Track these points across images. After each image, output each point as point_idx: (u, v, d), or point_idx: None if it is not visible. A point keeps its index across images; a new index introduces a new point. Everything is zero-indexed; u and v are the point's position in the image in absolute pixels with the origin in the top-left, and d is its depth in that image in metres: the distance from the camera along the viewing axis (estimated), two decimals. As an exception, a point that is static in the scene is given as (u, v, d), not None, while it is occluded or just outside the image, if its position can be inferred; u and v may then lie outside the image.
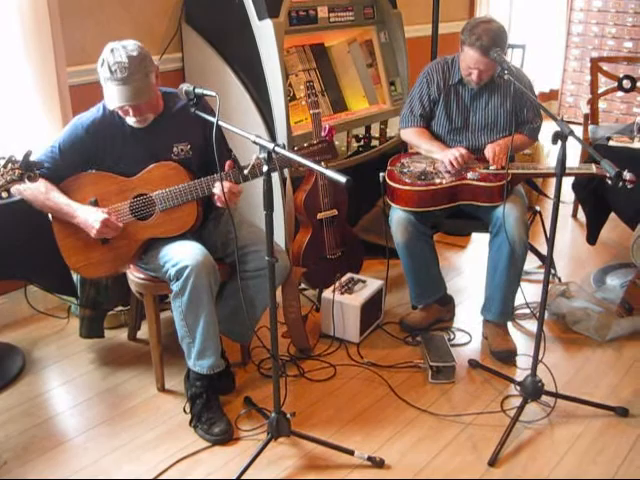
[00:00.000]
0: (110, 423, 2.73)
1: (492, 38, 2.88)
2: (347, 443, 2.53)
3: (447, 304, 3.42)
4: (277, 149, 2.03)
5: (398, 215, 3.07)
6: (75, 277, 3.08)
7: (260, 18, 3.34)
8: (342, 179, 1.87)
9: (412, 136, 3.27)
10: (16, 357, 3.14)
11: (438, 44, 3.88)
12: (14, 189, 2.04)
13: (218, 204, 2.60)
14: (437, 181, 3.00)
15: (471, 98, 3.16)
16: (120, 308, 3.30)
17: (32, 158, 2.41)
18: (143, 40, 3.38)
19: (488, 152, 3.03)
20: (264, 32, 3.34)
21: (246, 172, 2.46)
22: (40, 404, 2.88)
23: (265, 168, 2.07)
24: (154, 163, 2.63)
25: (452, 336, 3.28)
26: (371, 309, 3.24)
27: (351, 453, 2.47)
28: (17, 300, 3.43)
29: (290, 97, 3.52)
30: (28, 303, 3.43)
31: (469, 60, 2.98)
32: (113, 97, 2.49)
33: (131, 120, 2.58)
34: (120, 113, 2.56)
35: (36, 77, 3.13)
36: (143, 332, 3.27)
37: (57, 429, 2.73)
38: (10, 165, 1.99)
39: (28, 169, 2.00)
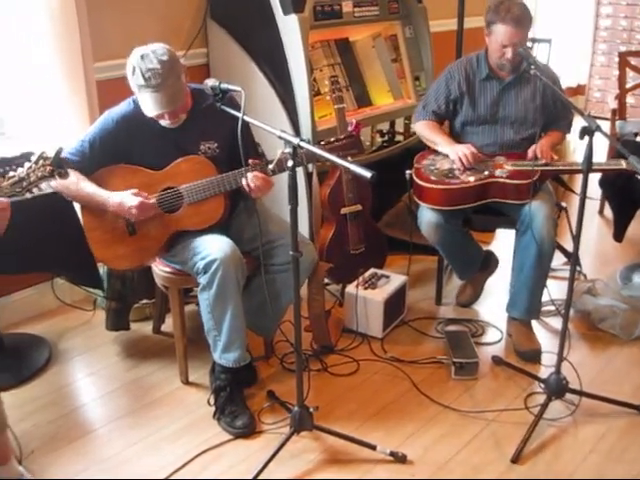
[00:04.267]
0: (134, 415, 2.76)
1: (521, 9, 2.91)
2: (369, 438, 2.53)
3: (489, 265, 3.50)
4: (302, 144, 2.04)
5: (427, 217, 3.06)
6: (102, 270, 3.12)
7: (285, 13, 3.34)
8: (367, 174, 1.87)
9: (421, 129, 3.28)
10: (43, 348, 3.19)
11: (463, 39, 3.84)
12: (46, 184, 2.06)
13: (248, 190, 2.59)
14: (465, 179, 2.98)
15: (500, 92, 3.13)
16: (145, 301, 3.33)
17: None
18: (168, 35, 3.44)
19: (532, 152, 3.01)
20: (289, 27, 3.35)
21: (271, 167, 2.47)
22: (66, 395, 2.92)
23: (290, 163, 2.07)
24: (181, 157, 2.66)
25: (476, 332, 3.26)
26: (394, 304, 3.24)
27: (373, 448, 2.47)
28: (44, 292, 3.47)
29: (314, 92, 3.52)
30: (55, 295, 3.46)
31: (502, 38, 2.95)
32: (149, 105, 2.50)
33: (165, 122, 2.60)
34: (155, 117, 2.57)
35: (64, 72, 3.16)
36: (167, 325, 3.30)
37: (83, 419, 2.77)
38: (41, 161, 2.01)
39: (59, 166, 2.01)
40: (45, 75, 3.13)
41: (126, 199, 2.57)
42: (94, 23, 3.23)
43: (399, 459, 2.46)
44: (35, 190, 2.03)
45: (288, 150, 2.08)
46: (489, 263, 3.51)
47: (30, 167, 2.01)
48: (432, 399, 2.80)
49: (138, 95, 2.55)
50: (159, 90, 2.46)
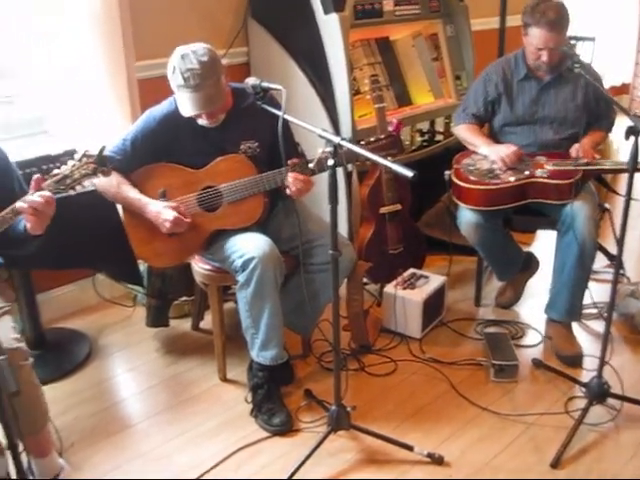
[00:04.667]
0: (173, 410, 2.79)
1: (557, 12, 2.86)
2: (406, 439, 2.51)
3: (529, 266, 3.45)
4: (343, 143, 2.03)
5: (467, 218, 3.04)
6: (142, 267, 3.16)
7: (326, 12, 3.34)
8: (408, 173, 1.86)
9: (461, 132, 3.26)
10: (84, 344, 3.24)
11: (505, 37, 3.80)
12: (88, 181, 2.09)
13: (288, 192, 2.59)
14: (505, 179, 2.95)
15: (539, 92, 3.09)
16: (184, 298, 3.36)
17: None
18: (210, 34, 3.46)
19: (575, 150, 2.97)
20: (329, 26, 3.34)
21: (312, 166, 2.47)
22: (106, 389, 2.97)
23: (331, 162, 2.07)
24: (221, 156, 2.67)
25: (515, 334, 3.22)
26: (433, 305, 3.22)
27: (410, 449, 2.46)
28: (85, 288, 3.53)
29: (354, 91, 3.51)
30: (96, 291, 3.52)
31: (537, 40, 2.92)
32: (187, 105, 2.52)
33: (203, 122, 2.61)
34: (193, 116, 2.59)
35: (106, 71, 3.19)
36: (206, 322, 3.34)
37: (122, 414, 2.81)
38: (85, 159, 2.04)
39: (102, 164, 2.04)
40: (88, 74, 3.18)
41: (163, 212, 2.59)
42: (136, 22, 3.27)
43: (436, 461, 2.44)
44: (78, 187, 2.06)
45: (329, 149, 2.08)
46: (529, 264, 3.47)
47: (74, 165, 2.04)
48: (471, 401, 2.77)
49: (177, 94, 2.57)
50: (197, 90, 2.47)
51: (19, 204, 2.02)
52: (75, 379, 3.01)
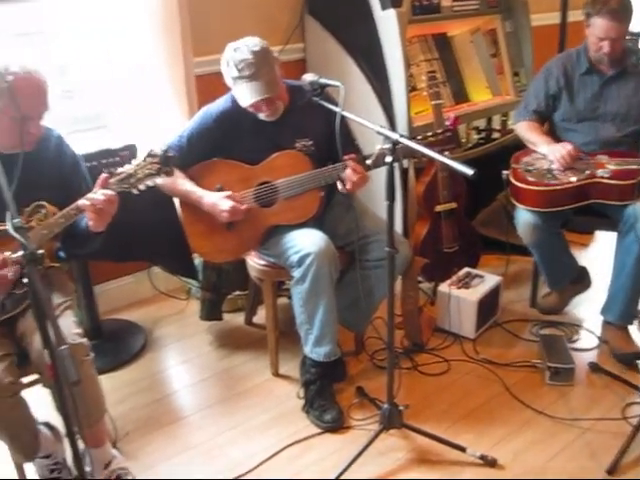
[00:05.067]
0: (225, 403, 2.81)
1: (619, 2, 2.80)
2: (459, 440, 2.49)
3: (582, 279, 3.34)
4: (401, 140, 2.01)
5: (525, 218, 2.98)
6: (197, 261, 3.19)
7: (383, 8, 3.31)
8: (468, 171, 1.84)
9: (521, 129, 3.20)
10: (139, 335, 3.29)
11: (566, 33, 3.72)
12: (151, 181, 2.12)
13: (340, 187, 2.58)
14: (564, 179, 2.89)
15: (601, 87, 3.02)
16: (238, 293, 3.38)
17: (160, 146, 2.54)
18: (266, 30, 3.46)
19: None
20: (387, 22, 3.32)
21: (369, 162, 2.46)
22: (160, 380, 3.01)
23: (389, 159, 2.05)
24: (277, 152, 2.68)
25: (571, 336, 3.16)
26: (488, 305, 3.18)
27: (463, 450, 2.43)
28: (141, 281, 3.59)
29: (411, 87, 3.48)
30: (151, 284, 3.58)
31: (598, 31, 2.86)
32: (245, 94, 2.53)
33: (263, 115, 2.62)
34: (252, 110, 2.60)
35: (164, 67, 3.23)
36: (259, 317, 3.36)
37: (175, 405, 2.85)
38: (149, 159, 2.06)
39: (165, 164, 2.07)
40: (146, 70, 3.22)
41: (219, 202, 2.61)
42: (195, 18, 3.29)
43: (489, 463, 2.41)
44: (142, 186, 2.08)
45: (387, 146, 2.06)
46: (582, 278, 3.35)
47: (138, 164, 2.08)
48: (525, 404, 2.72)
49: (234, 87, 2.59)
50: (254, 79, 2.49)
51: (82, 202, 2.07)
52: (130, 369, 3.07)
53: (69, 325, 2.16)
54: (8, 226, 1.59)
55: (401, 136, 2.03)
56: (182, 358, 3.16)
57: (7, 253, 1.96)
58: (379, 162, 2.46)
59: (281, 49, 3.62)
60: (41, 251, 1.59)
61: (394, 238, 2.21)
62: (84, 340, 2.14)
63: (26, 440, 2.14)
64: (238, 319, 3.41)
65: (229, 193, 2.63)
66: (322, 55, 3.73)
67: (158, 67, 3.22)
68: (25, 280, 1.58)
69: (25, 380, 2.27)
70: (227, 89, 2.65)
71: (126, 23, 3.16)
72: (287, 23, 3.75)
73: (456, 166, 1.87)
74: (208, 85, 3.24)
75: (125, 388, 2.92)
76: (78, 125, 3.29)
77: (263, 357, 3.04)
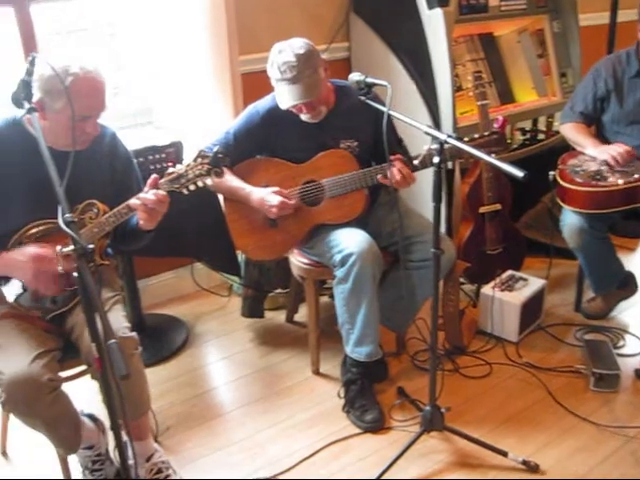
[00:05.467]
0: (266, 401, 2.82)
1: None
2: (500, 444, 2.45)
3: (628, 285, 3.29)
4: (450, 140, 1.99)
5: (571, 221, 2.94)
6: (240, 258, 3.20)
7: (430, 7, 3.29)
8: (519, 173, 1.81)
9: (568, 131, 3.16)
10: (181, 330, 3.33)
11: (616, 33, 3.66)
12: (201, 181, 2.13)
13: (394, 186, 2.57)
14: (613, 181, 2.83)
15: None
16: (279, 290, 3.39)
17: (207, 143, 2.56)
18: (312, 29, 3.48)
19: None
20: (433, 21, 3.29)
21: (416, 162, 2.44)
22: (201, 376, 3.04)
23: (436, 159, 2.04)
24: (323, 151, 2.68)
25: (617, 342, 3.10)
26: (531, 309, 3.14)
27: (504, 454, 2.41)
28: (183, 276, 3.62)
29: (456, 88, 3.45)
30: (193, 280, 3.61)
31: None
32: (284, 97, 2.54)
33: (305, 117, 2.63)
34: (294, 111, 2.61)
35: (211, 65, 3.26)
36: (300, 315, 3.37)
37: (216, 401, 2.87)
38: (199, 160, 2.08)
39: (216, 165, 2.08)
40: (193, 67, 3.25)
41: (267, 197, 2.63)
42: (241, 16, 3.31)
43: (531, 468, 2.38)
44: (192, 187, 2.10)
45: (434, 146, 2.05)
46: (628, 284, 3.30)
47: (189, 165, 2.09)
48: (568, 410, 2.68)
49: (275, 88, 2.60)
50: (294, 82, 2.49)
51: (133, 201, 2.09)
52: (172, 364, 3.10)
53: (118, 319, 2.19)
54: (60, 221, 1.61)
55: (449, 137, 2.01)
56: (223, 354, 3.17)
57: (58, 247, 1.99)
58: (426, 162, 2.45)
59: (326, 48, 3.62)
60: (91, 246, 1.60)
61: (440, 239, 2.19)
62: (133, 334, 2.16)
63: (66, 434, 2.15)
64: (279, 317, 3.42)
65: (277, 189, 2.64)
66: (367, 54, 3.72)
67: (204, 65, 3.25)
68: (75, 274, 1.60)
69: (72, 371, 2.31)
70: (271, 87, 2.66)
71: (173, 21, 3.19)
72: (332, 22, 3.75)
73: (506, 168, 1.85)
74: (253, 83, 3.26)
75: (166, 383, 2.95)
76: (124, 121, 3.33)
77: (304, 355, 3.04)
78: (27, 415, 2.05)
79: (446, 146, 2.04)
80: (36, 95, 1.98)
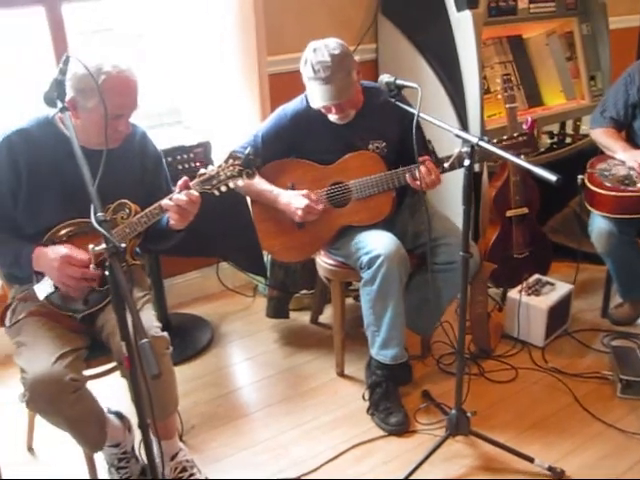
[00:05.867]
0: (290, 402, 2.82)
1: None
2: (525, 450, 2.43)
3: None
4: (481, 143, 1.98)
5: (599, 225, 2.92)
6: (266, 258, 3.21)
7: (459, 9, 3.27)
8: (552, 177, 1.79)
9: (599, 136, 3.13)
10: (206, 330, 3.34)
11: (647, 37, 3.64)
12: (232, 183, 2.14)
13: (412, 185, 2.57)
14: (642, 186, 2.81)
15: None
16: (304, 291, 3.39)
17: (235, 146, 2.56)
18: (340, 30, 3.45)
19: None
20: (462, 23, 3.28)
21: (446, 165, 2.44)
22: (225, 376, 3.05)
23: (467, 162, 2.03)
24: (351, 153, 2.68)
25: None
26: (558, 313, 3.11)
27: (531, 460, 2.38)
28: (208, 276, 3.63)
29: (484, 90, 3.44)
30: (219, 279, 3.62)
31: None
32: (316, 96, 2.54)
33: (333, 117, 2.62)
34: (323, 111, 2.61)
35: (239, 65, 3.26)
36: (324, 317, 3.37)
37: (240, 401, 2.87)
38: (231, 161, 2.09)
39: (247, 166, 2.09)
40: (221, 67, 3.26)
41: (294, 200, 2.63)
42: (269, 17, 3.31)
43: (557, 475, 2.35)
44: (223, 188, 2.11)
45: (465, 149, 2.04)
46: None
47: (220, 166, 2.10)
48: (595, 416, 2.65)
49: (307, 86, 2.60)
50: (327, 83, 2.49)
51: (165, 202, 2.10)
52: (196, 364, 3.11)
53: (150, 319, 2.21)
54: (92, 219, 1.62)
55: (481, 139, 1.99)
56: (247, 355, 3.18)
57: (90, 246, 2.01)
58: (455, 165, 2.43)
59: (353, 49, 3.59)
60: (124, 245, 1.61)
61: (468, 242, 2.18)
62: (165, 334, 2.18)
63: (90, 433, 2.16)
64: (304, 318, 3.42)
65: (305, 192, 2.64)
66: (394, 56, 3.71)
67: (232, 65, 3.26)
68: (107, 272, 1.61)
69: (101, 369, 2.34)
70: (300, 88, 2.66)
71: (202, 21, 3.20)
72: (360, 23, 3.74)
73: (538, 171, 1.83)
74: (281, 84, 3.27)
75: (191, 382, 2.96)
76: (151, 120, 3.35)
77: (328, 357, 3.04)
78: (50, 414, 2.07)
79: (477, 149, 2.02)
80: (69, 94, 2.00)
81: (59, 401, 1.99)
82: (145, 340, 1.46)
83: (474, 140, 2.00)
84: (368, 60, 3.78)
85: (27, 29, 2.98)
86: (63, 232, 2.14)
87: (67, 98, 1.99)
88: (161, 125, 3.41)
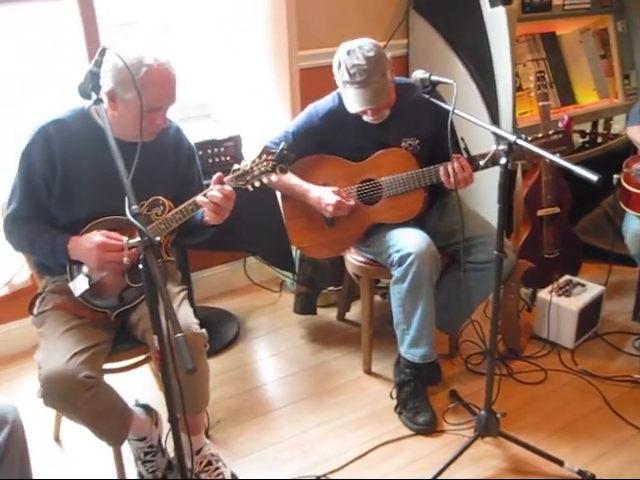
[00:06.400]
0: (316, 399, 2.81)
1: None
2: (554, 453, 2.39)
3: None
4: (519, 142, 1.95)
5: (635, 226, 2.88)
6: (294, 254, 3.20)
7: (492, 5, 3.23)
8: (592, 177, 1.76)
9: (636, 134, 3.06)
10: (232, 324, 3.34)
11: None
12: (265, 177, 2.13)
13: (447, 186, 2.54)
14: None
15: None
16: (332, 288, 3.38)
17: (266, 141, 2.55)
18: (371, 26, 3.45)
19: None
20: (495, 20, 3.24)
21: (482, 163, 2.40)
22: (251, 371, 3.04)
23: (503, 160, 2.00)
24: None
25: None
26: (589, 315, 3.07)
27: (560, 463, 2.35)
28: (236, 270, 3.63)
29: (516, 87, 3.39)
30: (246, 274, 3.61)
31: None
32: (353, 101, 2.51)
33: (368, 118, 2.60)
34: (358, 113, 2.58)
35: (270, 59, 3.25)
36: (351, 313, 3.35)
37: (266, 397, 2.87)
38: (264, 156, 2.07)
39: (281, 161, 2.07)
40: (251, 61, 3.25)
41: (324, 196, 2.61)
42: (300, 11, 3.28)
43: (587, 478, 2.32)
44: (257, 183, 2.10)
45: (502, 147, 2.01)
46: None
47: (254, 161, 2.09)
48: (626, 420, 2.61)
49: (342, 91, 2.57)
50: (364, 86, 2.45)
51: (200, 198, 2.10)
52: (222, 358, 3.11)
53: (189, 315, 2.21)
54: (127, 212, 1.61)
55: (518, 138, 1.96)
56: (273, 350, 3.18)
57: (125, 239, 2.00)
58: (489, 163, 2.40)
59: (384, 45, 3.58)
60: (158, 238, 1.60)
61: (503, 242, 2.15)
62: (203, 331, 2.17)
63: (110, 428, 2.15)
64: (330, 314, 3.41)
65: (336, 188, 2.62)
66: (426, 52, 3.68)
67: (263, 59, 3.25)
68: (140, 266, 1.59)
69: (129, 362, 2.35)
70: (329, 83, 2.62)
71: (234, 13, 3.19)
72: (392, 18, 3.71)
73: (579, 171, 1.80)
74: (311, 79, 3.25)
75: (216, 376, 2.93)
76: (181, 113, 3.34)
77: (355, 354, 3.03)
78: (65, 411, 2.08)
79: (515, 147, 1.99)
80: (108, 85, 2.00)
81: (73, 398, 1.98)
82: (180, 334, 1.44)
83: (512, 138, 1.97)
84: (399, 56, 3.75)
85: (58, 20, 2.98)
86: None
87: (106, 89, 1.99)
88: (188, 118, 3.40)
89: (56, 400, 2.01)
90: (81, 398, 1.98)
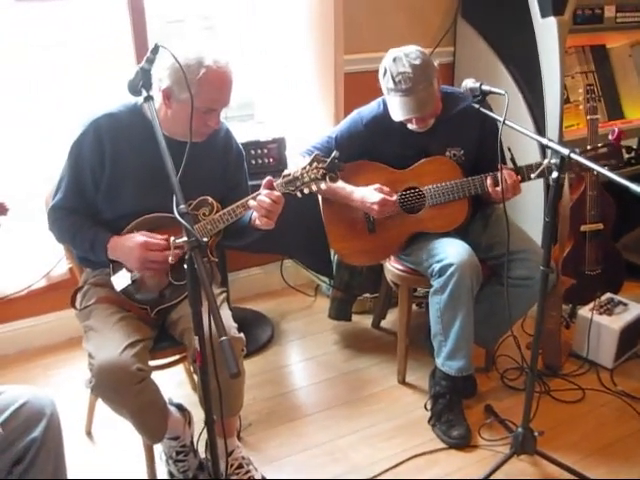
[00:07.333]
0: (350, 406, 2.79)
1: None
2: (590, 474, 2.34)
3: None
4: (573, 156, 1.91)
5: None
6: (333, 258, 3.18)
7: (543, 15, 3.19)
8: (648, 193, 1.71)
9: None
10: (266, 327, 3.33)
11: None
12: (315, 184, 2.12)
13: (493, 196, 2.49)
14: None
15: None
16: (368, 295, 3.35)
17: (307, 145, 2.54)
18: (417, 32, 3.42)
19: None
20: (546, 30, 3.19)
21: (533, 176, 2.36)
22: (284, 375, 3.02)
23: (555, 174, 1.96)
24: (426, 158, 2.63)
25: None
26: (630, 335, 2.99)
27: (597, 486, 2.31)
28: (271, 273, 3.63)
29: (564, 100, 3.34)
30: (281, 277, 3.61)
31: None
32: (398, 109, 2.48)
33: (413, 127, 2.57)
34: (403, 121, 2.55)
35: (315, 62, 3.25)
36: (387, 321, 3.32)
37: (299, 402, 2.85)
38: (315, 164, 2.07)
39: (331, 170, 2.06)
40: (296, 63, 3.25)
41: (368, 195, 2.59)
42: (347, 16, 3.27)
43: (622, 502, 2.28)
44: (306, 190, 2.09)
45: (554, 160, 1.97)
46: None
47: (304, 168, 2.08)
48: (665, 445, 2.56)
49: (387, 98, 2.54)
50: (408, 95, 2.42)
51: (251, 202, 2.09)
52: (255, 360, 3.10)
53: (228, 317, 2.21)
54: (174, 211, 1.60)
55: (572, 152, 1.92)
56: (307, 355, 3.16)
57: (172, 238, 2.00)
58: (537, 176, 2.36)
59: (430, 52, 3.55)
60: (205, 239, 1.59)
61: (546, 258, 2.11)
62: (242, 335, 2.17)
63: (152, 424, 2.16)
64: (365, 321, 3.38)
65: (378, 186, 2.59)
66: (472, 60, 3.65)
67: (309, 62, 3.24)
68: (185, 266, 1.59)
69: (166, 360, 2.34)
70: (374, 88, 2.59)
71: (282, 15, 3.18)
72: (439, 25, 3.69)
73: (633, 187, 1.75)
74: (356, 83, 3.24)
75: (249, 379, 2.88)
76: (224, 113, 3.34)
77: (389, 363, 3.00)
78: (114, 402, 2.07)
79: (569, 161, 1.95)
80: (165, 83, 2.01)
81: (124, 390, 1.98)
82: (224, 337, 1.43)
83: (565, 152, 1.93)
84: (445, 63, 3.73)
85: (107, 16, 3.00)
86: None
87: (163, 86, 2.00)
88: (231, 119, 3.40)
89: (106, 390, 2.02)
90: (131, 390, 1.98)
